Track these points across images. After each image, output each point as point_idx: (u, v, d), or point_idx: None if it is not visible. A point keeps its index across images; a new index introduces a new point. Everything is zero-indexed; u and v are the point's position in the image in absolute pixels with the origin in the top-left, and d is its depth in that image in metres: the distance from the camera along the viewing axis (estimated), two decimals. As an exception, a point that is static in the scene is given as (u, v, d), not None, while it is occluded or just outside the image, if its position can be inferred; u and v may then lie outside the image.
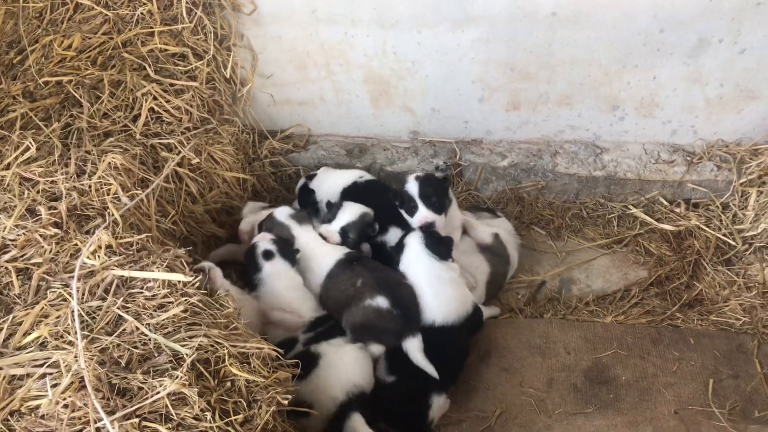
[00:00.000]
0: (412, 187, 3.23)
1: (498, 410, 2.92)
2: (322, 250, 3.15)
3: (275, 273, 3.03)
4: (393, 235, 3.33)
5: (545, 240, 3.77)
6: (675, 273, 3.44)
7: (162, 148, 3.31)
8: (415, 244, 3.05)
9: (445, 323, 2.95)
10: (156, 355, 2.28)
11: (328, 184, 3.60)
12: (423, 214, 3.18)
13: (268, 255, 3.06)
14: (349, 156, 4.01)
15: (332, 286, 3.02)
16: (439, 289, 2.98)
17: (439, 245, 3.05)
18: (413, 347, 2.84)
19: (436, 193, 3.21)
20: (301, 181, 3.70)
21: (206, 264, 2.93)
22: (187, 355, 2.26)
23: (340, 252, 3.12)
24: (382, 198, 3.43)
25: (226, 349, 2.32)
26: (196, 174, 3.42)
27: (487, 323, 3.23)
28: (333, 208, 3.33)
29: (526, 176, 3.87)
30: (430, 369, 2.80)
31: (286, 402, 2.30)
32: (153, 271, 2.53)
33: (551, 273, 3.58)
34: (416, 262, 3.03)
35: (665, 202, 3.73)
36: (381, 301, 2.89)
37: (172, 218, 3.31)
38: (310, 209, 3.48)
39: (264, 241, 3.11)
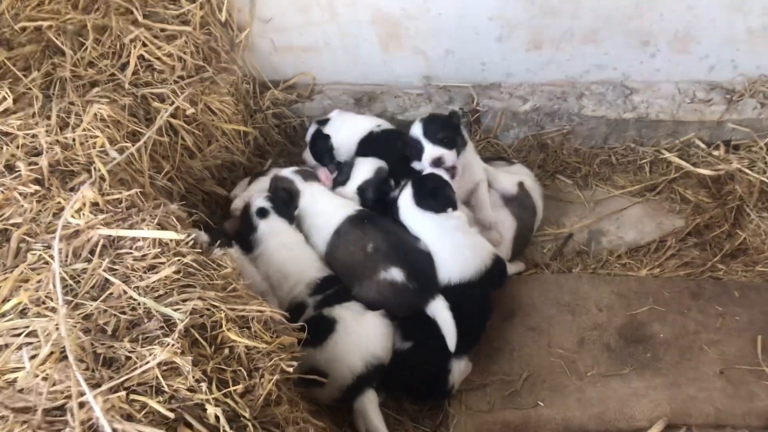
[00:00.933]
0: (416, 128, 2.96)
1: (525, 373, 2.69)
2: (330, 205, 2.89)
3: (272, 231, 2.79)
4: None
5: (571, 189, 3.49)
6: (715, 221, 3.16)
7: (154, 98, 3.05)
8: (405, 202, 2.79)
9: (462, 279, 2.70)
10: (146, 320, 2.05)
11: (347, 131, 3.29)
12: (430, 152, 2.89)
13: (262, 213, 2.83)
14: (358, 105, 3.73)
15: (340, 244, 2.76)
16: (448, 243, 2.73)
17: (432, 197, 2.76)
18: (438, 308, 2.60)
19: (443, 129, 2.93)
20: (313, 127, 3.37)
21: None
22: (179, 320, 2.03)
23: (350, 208, 2.86)
24: (397, 150, 3.15)
25: (224, 312, 2.09)
26: (192, 126, 3.17)
27: (510, 280, 2.98)
28: (345, 168, 3.07)
29: (550, 121, 3.58)
30: (452, 331, 2.56)
31: (291, 369, 2.07)
32: (142, 229, 2.29)
33: (579, 225, 3.31)
34: (413, 222, 2.78)
35: (702, 145, 3.43)
36: (395, 274, 2.62)
37: (167, 174, 3.06)
38: (327, 158, 3.23)
39: (258, 199, 2.87)
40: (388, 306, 2.65)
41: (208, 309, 2.10)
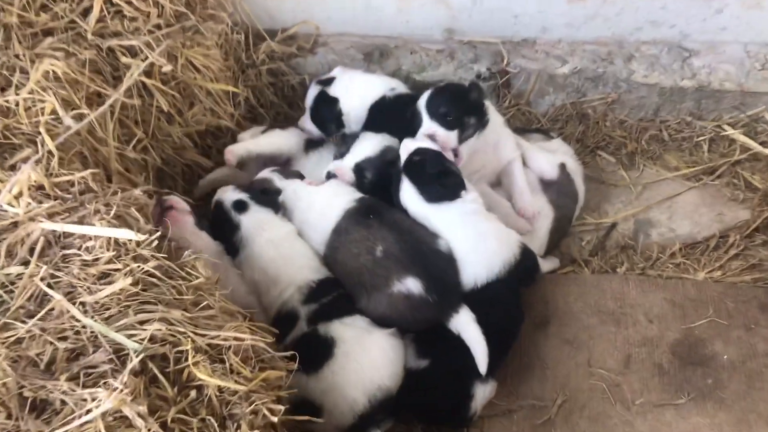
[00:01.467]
0: (423, 98, 2.49)
1: (560, 398, 2.26)
2: (322, 196, 2.40)
3: (257, 225, 2.32)
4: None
5: (615, 169, 2.98)
6: (789, 214, 2.66)
7: (123, 52, 2.53)
8: (412, 200, 2.31)
9: (490, 277, 2.24)
10: (91, 350, 1.61)
11: (357, 93, 2.76)
12: (423, 127, 2.42)
13: (240, 206, 2.36)
14: (368, 61, 3.21)
15: (341, 245, 2.28)
16: (471, 234, 2.27)
17: (433, 184, 2.28)
18: (463, 322, 2.16)
19: (450, 104, 2.43)
20: (315, 88, 2.82)
21: (170, 199, 2.21)
22: (134, 351, 1.59)
23: (349, 198, 2.37)
24: None
25: (191, 340, 1.63)
26: (170, 86, 2.65)
27: (542, 280, 2.52)
28: (347, 140, 2.58)
29: (593, 87, 3.06)
30: (482, 349, 2.12)
31: (276, 414, 1.63)
32: (94, 224, 1.82)
33: (624, 213, 2.82)
34: (427, 220, 2.31)
35: (774, 121, 2.91)
36: (412, 285, 2.16)
37: (140, 143, 2.58)
38: (334, 127, 2.75)
39: (229, 192, 2.41)
40: (402, 322, 2.21)
41: (172, 335, 1.65)
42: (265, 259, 2.26)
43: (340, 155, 2.55)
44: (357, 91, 2.75)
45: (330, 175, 2.49)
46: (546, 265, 2.56)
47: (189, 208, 2.32)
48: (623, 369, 2.31)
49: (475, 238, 2.26)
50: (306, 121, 2.84)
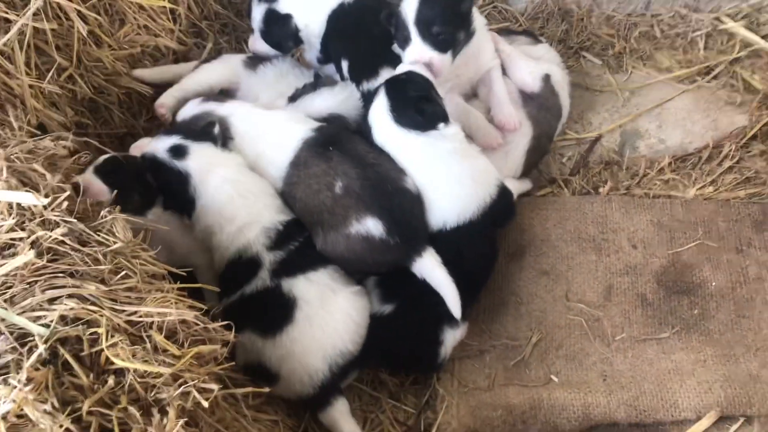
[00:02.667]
0: (409, 5, 2.13)
1: (535, 335, 2.11)
2: (277, 121, 2.13)
3: (206, 165, 2.02)
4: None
5: (601, 73, 2.69)
6: (790, 119, 2.41)
7: (27, -35, 2.18)
8: (379, 118, 2.04)
9: (461, 221, 2.03)
10: (-8, 337, 1.42)
11: (310, 2, 2.39)
12: (415, 51, 2.12)
13: (179, 151, 2.04)
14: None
15: (299, 180, 2.04)
16: (442, 173, 2.03)
17: (414, 111, 2.00)
18: (427, 267, 1.97)
19: (442, 18, 2.10)
20: (260, 7, 2.43)
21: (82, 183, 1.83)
22: (40, 336, 1.40)
23: (307, 127, 2.10)
24: (381, 25, 2.30)
25: (105, 319, 1.44)
26: (91, 4, 2.33)
27: (517, 205, 2.30)
28: (313, 84, 2.33)
29: (576, -22, 2.70)
30: (452, 294, 1.95)
31: (210, 395, 1.46)
32: (-9, 185, 1.59)
33: (609, 124, 2.55)
34: (392, 146, 2.05)
35: (779, 10, 2.58)
36: (372, 226, 1.94)
37: (65, 73, 2.29)
38: (291, 44, 2.44)
39: (155, 143, 2.08)
40: (361, 265, 2.02)
41: (88, 312, 1.46)
42: (221, 198, 1.99)
43: (291, 98, 2.28)
44: (310, 1, 2.40)
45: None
46: (515, 186, 2.31)
47: (104, 188, 1.94)
48: (604, 302, 2.14)
49: (448, 181, 2.03)
50: (257, 43, 2.50)
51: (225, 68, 2.48)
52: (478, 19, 2.31)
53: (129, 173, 2.01)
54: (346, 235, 1.97)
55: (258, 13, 2.43)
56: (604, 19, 2.73)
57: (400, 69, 2.11)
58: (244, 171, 2.08)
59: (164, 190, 2.06)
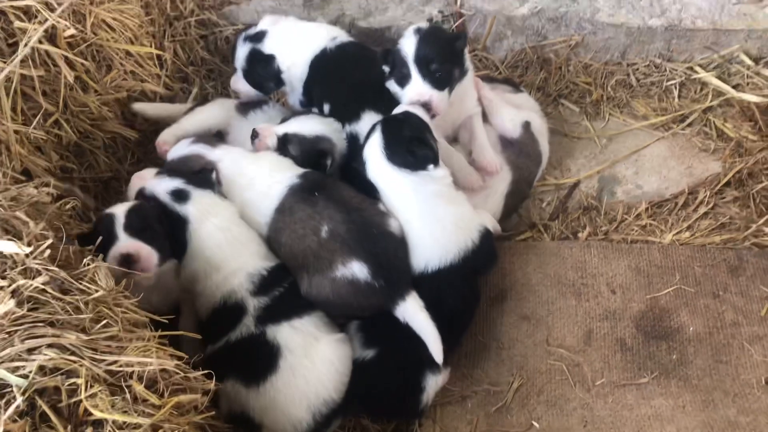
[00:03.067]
0: (408, 43, 2.19)
1: (516, 381, 2.12)
2: (263, 170, 2.15)
3: (204, 212, 2.03)
4: (366, 124, 2.29)
5: (579, 120, 2.76)
6: (762, 166, 2.47)
7: (17, 14, 2.22)
8: (375, 156, 2.08)
9: (442, 265, 2.05)
10: (-31, 389, 1.41)
11: (294, 45, 2.43)
12: (416, 89, 2.17)
13: (181, 195, 2.05)
14: (307, 6, 2.92)
15: (285, 226, 2.06)
16: (426, 216, 2.07)
17: (406, 151, 2.06)
18: (410, 311, 1.99)
19: (440, 56, 2.18)
20: (244, 47, 2.48)
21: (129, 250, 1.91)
22: (17, 387, 1.39)
23: (292, 174, 2.13)
24: (362, 70, 2.37)
25: (85, 369, 1.44)
26: (80, 50, 2.36)
27: (498, 250, 2.33)
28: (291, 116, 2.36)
29: (554, 29, 2.81)
30: (434, 338, 1.96)
31: (191, 445, 1.46)
32: (-27, 234, 1.59)
33: (587, 171, 2.61)
34: (383, 182, 2.10)
35: (749, 62, 2.69)
36: (357, 269, 1.96)
37: (51, 119, 2.31)
38: (273, 85, 2.48)
39: (160, 183, 2.09)
40: (345, 309, 2.03)
41: (66, 362, 1.45)
42: (210, 246, 2.01)
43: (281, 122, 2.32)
44: (294, 45, 2.45)
45: (254, 134, 2.25)
46: (493, 222, 2.33)
47: (152, 252, 1.96)
48: (583, 346, 2.16)
49: (431, 222, 2.07)
50: (238, 82, 2.55)
51: (221, 111, 2.54)
52: (469, 65, 2.38)
53: (156, 221, 2.01)
54: (332, 279, 1.98)
55: (242, 52, 2.47)
56: (581, 67, 2.80)
57: (400, 109, 2.16)
58: (236, 220, 2.09)
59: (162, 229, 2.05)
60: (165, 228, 2.02)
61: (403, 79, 2.21)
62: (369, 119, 2.24)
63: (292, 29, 2.49)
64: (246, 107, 2.56)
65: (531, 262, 2.35)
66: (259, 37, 2.47)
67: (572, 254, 2.35)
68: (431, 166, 2.06)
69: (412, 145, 2.06)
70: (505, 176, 2.41)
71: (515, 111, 2.49)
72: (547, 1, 2.76)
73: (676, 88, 2.73)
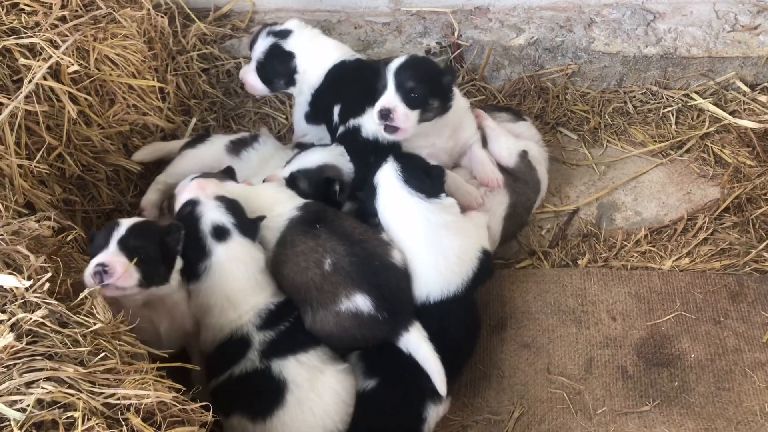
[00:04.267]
0: (396, 61, 2.24)
1: (517, 410, 2.10)
2: (268, 200, 2.16)
3: (233, 258, 2.01)
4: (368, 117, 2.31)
5: (577, 147, 2.78)
6: (760, 192, 2.48)
7: (22, 52, 2.27)
8: (389, 180, 2.10)
9: (445, 295, 2.06)
10: (-32, 423, 1.41)
11: (315, 53, 2.48)
12: (386, 98, 2.19)
13: (220, 233, 2.01)
14: (308, 39, 2.93)
15: (287, 259, 2.06)
16: (432, 247, 2.07)
17: (424, 177, 2.09)
18: (414, 342, 1.99)
19: (420, 79, 2.20)
20: (266, 40, 2.48)
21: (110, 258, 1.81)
22: (15, 420, 1.39)
23: (292, 205, 2.13)
24: (374, 78, 2.33)
25: (82, 402, 1.45)
26: (83, 85, 2.41)
27: (498, 277, 2.35)
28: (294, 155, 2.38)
29: (551, 58, 2.85)
30: (438, 370, 1.96)
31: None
32: (-25, 268, 1.61)
33: (586, 198, 2.62)
34: (394, 208, 2.10)
35: (745, 88, 2.73)
36: (361, 302, 1.96)
37: (54, 152, 2.34)
38: (283, 83, 2.52)
39: (211, 207, 2.03)
40: (349, 341, 2.03)
41: (65, 395, 1.46)
42: (233, 287, 1.99)
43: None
44: (317, 50, 2.49)
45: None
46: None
47: (132, 273, 1.83)
48: (585, 374, 2.15)
49: (436, 253, 2.07)
50: (248, 73, 2.55)
51: (208, 154, 2.52)
52: (461, 100, 2.41)
53: (155, 242, 1.91)
54: (336, 313, 1.98)
55: (263, 45, 2.49)
56: (578, 95, 2.84)
57: (369, 114, 2.21)
58: (261, 267, 2.06)
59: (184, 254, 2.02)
60: (165, 254, 1.92)
61: (380, 91, 2.23)
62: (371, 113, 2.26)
63: (318, 37, 2.54)
64: (238, 146, 2.56)
65: (531, 289, 2.35)
66: (284, 34, 2.50)
67: (572, 281, 2.35)
68: (443, 194, 2.09)
69: (428, 170, 2.11)
70: (503, 199, 2.41)
71: (513, 140, 2.51)
72: (543, 31, 2.81)
73: (673, 115, 2.75)
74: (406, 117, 2.19)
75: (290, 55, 2.47)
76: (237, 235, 2.02)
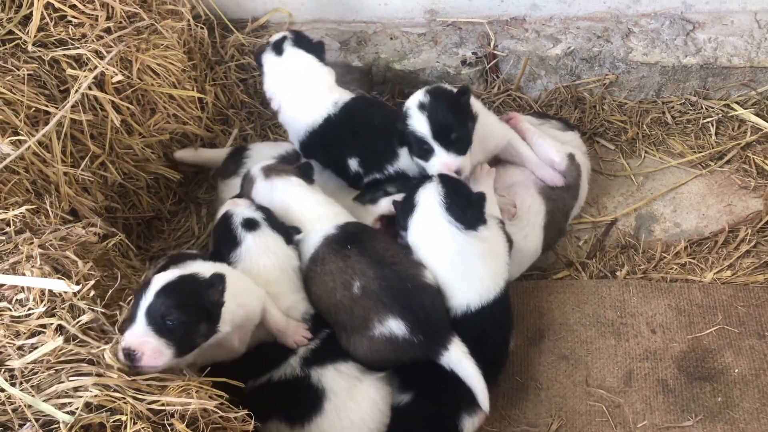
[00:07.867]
0: (419, 122, 2.18)
1: (555, 422, 2.08)
2: (310, 215, 2.17)
3: (261, 247, 2.06)
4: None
5: (614, 158, 2.75)
6: (805, 204, 2.43)
7: (69, 62, 2.33)
8: (431, 206, 2.07)
9: (483, 303, 2.06)
10: (17, 423, 1.45)
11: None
12: (442, 161, 2.17)
13: (250, 225, 2.09)
14: (344, 50, 2.98)
15: (315, 276, 2.08)
16: (462, 270, 2.07)
17: (466, 209, 2.06)
18: (455, 358, 1.97)
19: (455, 123, 2.18)
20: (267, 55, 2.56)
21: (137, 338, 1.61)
22: (64, 423, 1.42)
23: (330, 224, 2.14)
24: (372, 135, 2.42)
25: (129, 406, 1.47)
26: (126, 95, 2.46)
27: (536, 288, 2.33)
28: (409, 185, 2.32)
29: (588, 68, 2.82)
30: (481, 386, 1.96)
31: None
32: (25, 273, 1.65)
33: (624, 209, 2.59)
34: (431, 233, 2.08)
35: (787, 98, 2.66)
36: (395, 326, 1.95)
37: (98, 161, 2.39)
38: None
39: (241, 207, 2.15)
40: (385, 363, 2.03)
41: (110, 400, 1.49)
42: (260, 267, 2.04)
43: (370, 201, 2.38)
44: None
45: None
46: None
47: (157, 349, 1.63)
48: (624, 387, 2.12)
49: (467, 275, 2.07)
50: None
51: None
52: (476, 105, 2.36)
53: (192, 303, 1.72)
54: (370, 338, 1.98)
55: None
56: (616, 106, 2.81)
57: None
58: (291, 268, 2.12)
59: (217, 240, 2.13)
60: (206, 311, 1.74)
61: (427, 154, 2.20)
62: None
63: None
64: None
65: (569, 301, 2.33)
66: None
67: (611, 293, 2.33)
68: (482, 227, 2.07)
69: (472, 204, 2.07)
70: (540, 209, 2.39)
71: (558, 143, 2.50)
72: (580, 41, 2.79)
73: (712, 125, 2.71)
74: (467, 163, 2.20)
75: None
76: (266, 228, 2.10)
